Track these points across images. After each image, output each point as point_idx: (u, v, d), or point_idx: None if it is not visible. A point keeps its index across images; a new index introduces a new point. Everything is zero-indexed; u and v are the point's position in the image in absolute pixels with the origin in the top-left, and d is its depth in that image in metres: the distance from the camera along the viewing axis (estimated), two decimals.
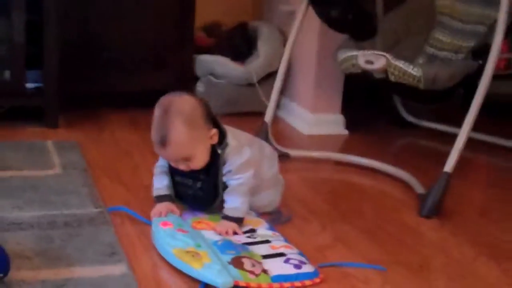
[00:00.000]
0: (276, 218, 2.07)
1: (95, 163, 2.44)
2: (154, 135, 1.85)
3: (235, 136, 1.95)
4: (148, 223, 1.92)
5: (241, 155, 1.91)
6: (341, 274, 1.76)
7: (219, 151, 1.89)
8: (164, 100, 1.87)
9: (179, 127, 1.81)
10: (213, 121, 1.90)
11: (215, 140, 1.88)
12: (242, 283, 1.63)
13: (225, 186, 1.92)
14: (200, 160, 1.87)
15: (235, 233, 1.87)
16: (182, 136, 1.81)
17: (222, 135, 1.90)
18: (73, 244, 1.77)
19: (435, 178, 2.24)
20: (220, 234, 1.85)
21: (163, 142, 1.83)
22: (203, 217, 1.96)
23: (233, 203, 1.90)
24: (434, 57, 2.88)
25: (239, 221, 1.90)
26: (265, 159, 2.08)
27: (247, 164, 1.91)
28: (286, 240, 1.90)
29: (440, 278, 1.81)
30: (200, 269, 1.64)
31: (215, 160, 1.89)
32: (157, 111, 1.85)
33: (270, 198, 2.10)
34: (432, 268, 1.87)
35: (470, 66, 2.56)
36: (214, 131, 1.88)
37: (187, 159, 1.86)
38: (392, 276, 1.78)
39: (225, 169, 1.90)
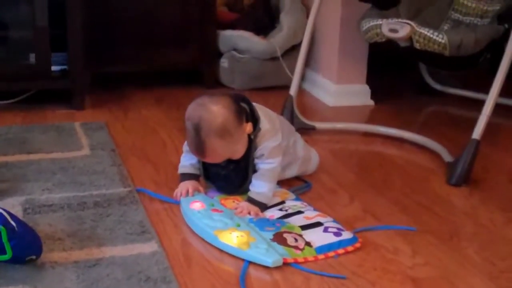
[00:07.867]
0: (298, 188, 2.09)
1: (122, 143, 2.45)
2: (190, 147, 1.87)
3: (268, 118, 1.93)
4: (175, 203, 1.94)
5: (275, 139, 1.90)
6: (371, 245, 1.76)
7: (252, 137, 1.87)
8: (192, 115, 1.81)
9: (214, 142, 1.79)
10: (246, 101, 1.88)
11: (250, 130, 1.86)
12: (289, 260, 1.63)
13: (255, 170, 1.91)
14: (239, 152, 1.87)
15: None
16: (219, 149, 1.82)
17: (255, 121, 1.88)
18: (104, 224, 1.79)
19: (463, 146, 2.22)
20: (239, 214, 1.82)
21: (201, 155, 1.85)
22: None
23: (261, 188, 1.88)
24: (459, 22, 2.84)
25: (262, 206, 1.87)
26: (298, 137, 2.14)
27: (279, 148, 1.91)
28: (316, 209, 1.90)
29: (470, 246, 1.79)
30: (248, 250, 1.64)
31: (248, 145, 1.88)
32: (188, 126, 1.82)
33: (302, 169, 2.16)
34: (462, 237, 1.86)
35: (496, 30, 2.53)
36: (249, 125, 1.85)
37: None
38: (422, 246, 1.77)
39: (257, 152, 1.89)
